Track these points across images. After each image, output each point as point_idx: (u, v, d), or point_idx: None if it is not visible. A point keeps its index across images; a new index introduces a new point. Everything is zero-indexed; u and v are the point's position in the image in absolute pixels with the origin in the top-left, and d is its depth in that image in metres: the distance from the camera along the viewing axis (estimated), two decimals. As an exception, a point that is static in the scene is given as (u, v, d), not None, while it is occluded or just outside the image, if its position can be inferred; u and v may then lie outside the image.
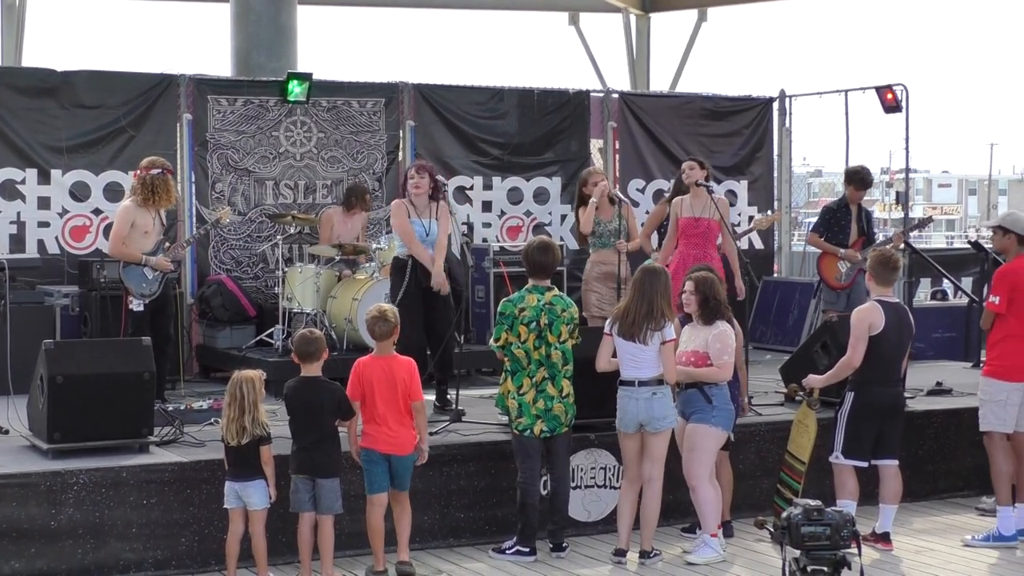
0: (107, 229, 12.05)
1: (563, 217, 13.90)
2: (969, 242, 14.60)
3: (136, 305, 9.93)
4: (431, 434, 8.67)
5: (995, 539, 8.69)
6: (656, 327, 8.01)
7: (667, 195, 11.81)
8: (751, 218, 14.38)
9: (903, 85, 13.93)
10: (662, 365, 8.04)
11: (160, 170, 10.07)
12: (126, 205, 10.11)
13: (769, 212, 13.47)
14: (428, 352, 9.83)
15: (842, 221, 11.86)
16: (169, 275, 10.26)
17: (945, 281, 14.93)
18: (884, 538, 8.59)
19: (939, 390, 10.83)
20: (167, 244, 10.30)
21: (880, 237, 12.36)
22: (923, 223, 13.03)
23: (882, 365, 8.45)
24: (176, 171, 12.14)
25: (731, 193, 14.63)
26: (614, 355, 8.18)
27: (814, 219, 13.35)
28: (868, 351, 8.38)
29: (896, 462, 8.64)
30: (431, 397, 9.74)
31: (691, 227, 10.51)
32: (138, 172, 10.13)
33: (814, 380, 8.74)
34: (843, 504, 8.23)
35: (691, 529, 8.71)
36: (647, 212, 12.92)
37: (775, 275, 15.01)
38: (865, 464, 8.55)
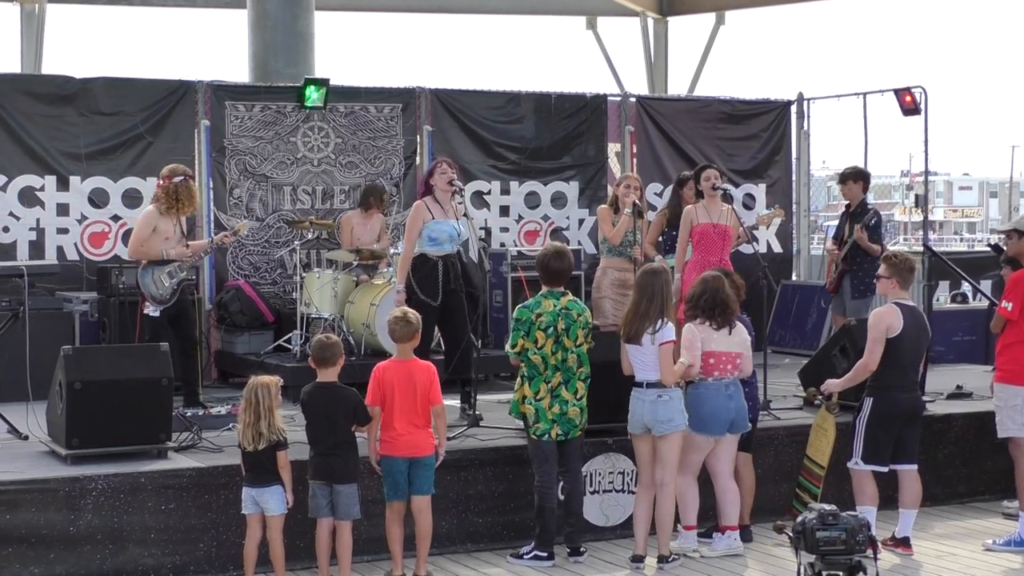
0: (126, 235, 12.09)
1: (580, 221, 13.89)
2: (989, 245, 14.54)
3: (152, 310, 9.96)
4: (449, 439, 8.67)
5: (1017, 544, 8.65)
6: (652, 329, 8.01)
7: (665, 206, 11.78)
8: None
9: (922, 87, 13.88)
10: (660, 365, 8.03)
11: (182, 177, 10.15)
12: (149, 210, 10.18)
13: (772, 208, 13.42)
14: (445, 355, 9.84)
15: (840, 224, 12.01)
16: (186, 280, 10.29)
17: (964, 284, 14.87)
18: (904, 543, 8.55)
19: (959, 394, 10.79)
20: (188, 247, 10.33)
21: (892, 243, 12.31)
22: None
23: (900, 369, 8.41)
24: (194, 177, 12.17)
25: (749, 197, 14.61)
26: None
27: (834, 222, 13.32)
28: (886, 355, 8.34)
29: (915, 466, 8.61)
30: (452, 402, 9.74)
31: (710, 233, 10.47)
32: (161, 182, 10.18)
33: (832, 384, 8.71)
34: (863, 511, 8.19)
35: (707, 534, 8.68)
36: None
37: (794, 279, 14.97)
38: (885, 469, 8.51)
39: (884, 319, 8.40)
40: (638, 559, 8.18)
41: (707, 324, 8.28)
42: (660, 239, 11.33)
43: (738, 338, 8.37)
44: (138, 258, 10.13)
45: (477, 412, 9.47)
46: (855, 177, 11.98)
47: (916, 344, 8.50)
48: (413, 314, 7.98)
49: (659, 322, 8.03)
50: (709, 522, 8.69)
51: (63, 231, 12.02)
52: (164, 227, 10.10)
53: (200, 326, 11.45)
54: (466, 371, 9.88)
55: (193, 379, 10.31)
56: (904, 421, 8.48)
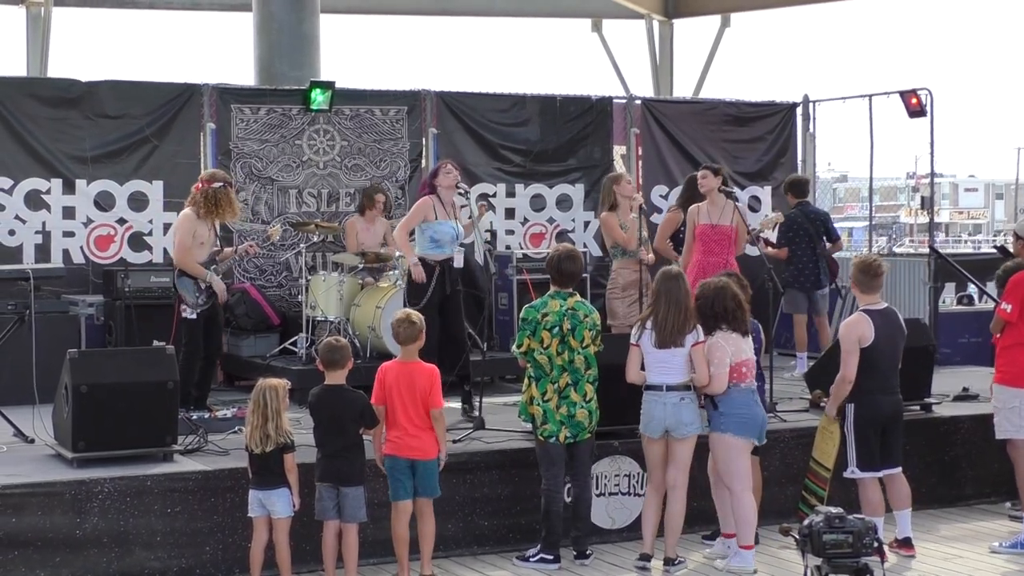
0: (132, 239, 12.15)
1: (586, 224, 13.87)
2: (995, 247, 14.53)
3: (189, 313, 9.93)
4: (455, 442, 8.68)
5: (1022, 546, 8.63)
6: (691, 328, 8.02)
7: (676, 202, 11.84)
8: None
9: (927, 89, 13.85)
10: (695, 366, 8.02)
11: (222, 184, 10.08)
12: (187, 214, 10.06)
13: (769, 213, 13.48)
14: (449, 357, 9.83)
15: None
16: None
17: (971, 286, 14.87)
18: (906, 544, 8.52)
19: (965, 396, 10.77)
20: (219, 255, 10.29)
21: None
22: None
23: (879, 374, 8.33)
24: (233, 184, 12.15)
25: (755, 199, 14.60)
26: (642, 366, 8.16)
27: (838, 225, 13.36)
28: (863, 362, 8.25)
29: (899, 469, 8.56)
30: (454, 404, 9.75)
31: (708, 234, 10.51)
32: (199, 184, 10.11)
33: (828, 408, 8.63)
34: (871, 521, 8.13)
35: (712, 536, 8.67)
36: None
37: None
38: (879, 474, 8.47)
39: (854, 330, 8.31)
40: (645, 558, 8.17)
41: (733, 333, 8.13)
42: (675, 237, 11.35)
43: (751, 343, 8.29)
44: (183, 268, 9.97)
45: (482, 415, 9.46)
46: (784, 189, 12.94)
47: (892, 348, 8.42)
48: (416, 316, 7.99)
49: (694, 322, 8.04)
50: (713, 524, 8.69)
51: (69, 234, 12.02)
52: (201, 232, 10.01)
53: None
54: (463, 370, 9.89)
55: (208, 385, 10.30)
56: (887, 423, 8.42)
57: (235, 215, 10.38)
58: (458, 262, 10.00)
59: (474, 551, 8.58)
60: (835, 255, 12.77)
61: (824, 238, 12.41)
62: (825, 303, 12.48)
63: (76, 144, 12.05)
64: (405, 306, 9.55)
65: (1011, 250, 11.02)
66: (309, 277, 11.85)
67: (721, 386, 8.04)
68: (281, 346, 12.07)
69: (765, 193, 14.72)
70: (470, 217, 10.33)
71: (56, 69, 19.63)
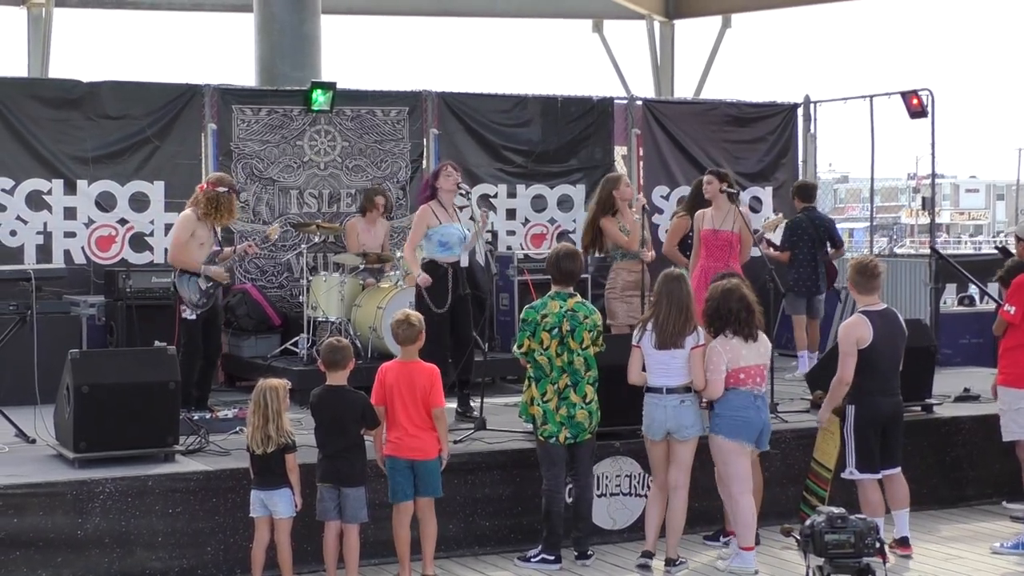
0: (133, 239, 12.15)
1: (588, 225, 13.85)
2: (996, 247, 14.55)
3: (189, 314, 9.93)
4: (456, 442, 8.68)
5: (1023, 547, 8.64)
6: (692, 331, 8.01)
7: (683, 207, 11.84)
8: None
9: (928, 90, 13.87)
10: (692, 370, 8.01)
11: (227, 189, 10.10)
12: (187, 214, 10.08)
13: (770, 215, 13.49)
14: (450, 360, 9.84)
15: None
16: (223, 284, 10.31)
17: (972, 287, 14.87)
18: (903, 543, 8.52)
19: (966, 396, 10.77)
20: (220, 256, 10.29)
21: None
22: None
23: (879, 375, 8.31)
24: (201, 181, 12.19)
25: (756, 200, 14.60)
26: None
27: (839, 226, 13.37)
28: (862, 364, 8.23)
29: (899, 469, 8.56)
30: (454, 405, 9.75)
31: (711, 239, 10.53)
32: (204, 185, 10.14)
33: (821, 412, 8.61)
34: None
35: (714, 536, 8.68)
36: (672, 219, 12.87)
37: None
38: (878, 476, 8.47)
39: (852, 332, 8.28)
40: (647, 555, 8.17)
41: (734, 338, 8.05)
42: (683, 242, 11.37)
43: (763, 347, 8.19)
44: (178, 265, 10.00)
45: (483, 416, 9.46)
46: (792, 193, 13.08)
47: (892, 349, 8.39)
48: (415, 316, 7.99)
49: (695, 323, 8.04)
50: (714, 525, 8.68)
51: (70, 235, 12.02)
52: (201, 232, 10.02)
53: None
54: (464, 373, 9.92)
55: (208, 385, 10.30)
56: (887, 424, 8.41)
57: (232, 220, 10.45)
58: (463, 262, 10.01)
59: (475, 551, 8.58)
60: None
61: (828, 243, 12.42)
62: (821, 307, 12.51)
63: (77, 145, 12.06)
64: (425, 311, 9.52)
65: (1012, 251, 11.05)
66: (310, 278, 11.85)
67: (716, 391, 8.02)
68: (282, 347, 12.08)
69: (766, 194, 14.72)
70: (471, 218, 10.31)
71: (57, 70, 19.68)
